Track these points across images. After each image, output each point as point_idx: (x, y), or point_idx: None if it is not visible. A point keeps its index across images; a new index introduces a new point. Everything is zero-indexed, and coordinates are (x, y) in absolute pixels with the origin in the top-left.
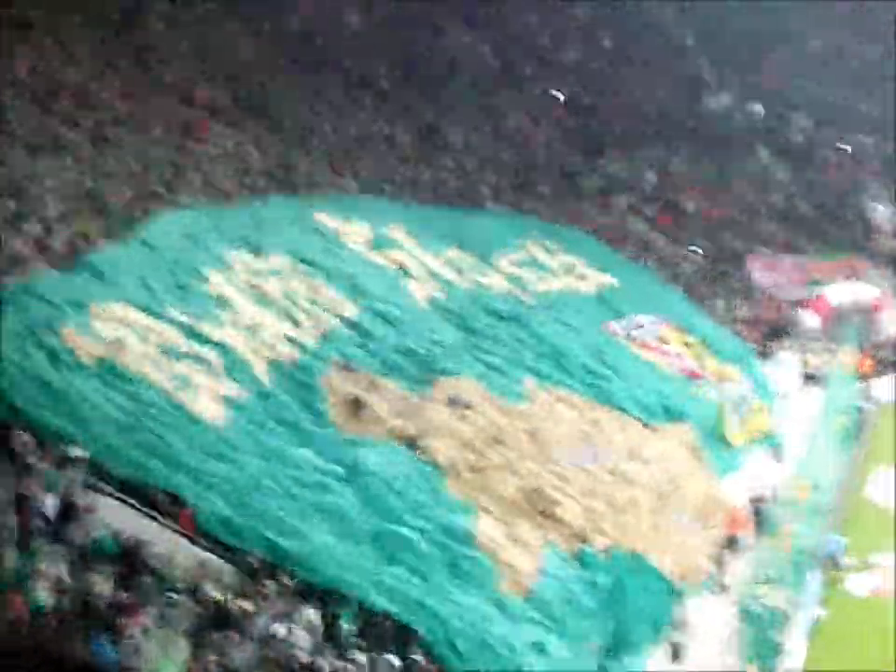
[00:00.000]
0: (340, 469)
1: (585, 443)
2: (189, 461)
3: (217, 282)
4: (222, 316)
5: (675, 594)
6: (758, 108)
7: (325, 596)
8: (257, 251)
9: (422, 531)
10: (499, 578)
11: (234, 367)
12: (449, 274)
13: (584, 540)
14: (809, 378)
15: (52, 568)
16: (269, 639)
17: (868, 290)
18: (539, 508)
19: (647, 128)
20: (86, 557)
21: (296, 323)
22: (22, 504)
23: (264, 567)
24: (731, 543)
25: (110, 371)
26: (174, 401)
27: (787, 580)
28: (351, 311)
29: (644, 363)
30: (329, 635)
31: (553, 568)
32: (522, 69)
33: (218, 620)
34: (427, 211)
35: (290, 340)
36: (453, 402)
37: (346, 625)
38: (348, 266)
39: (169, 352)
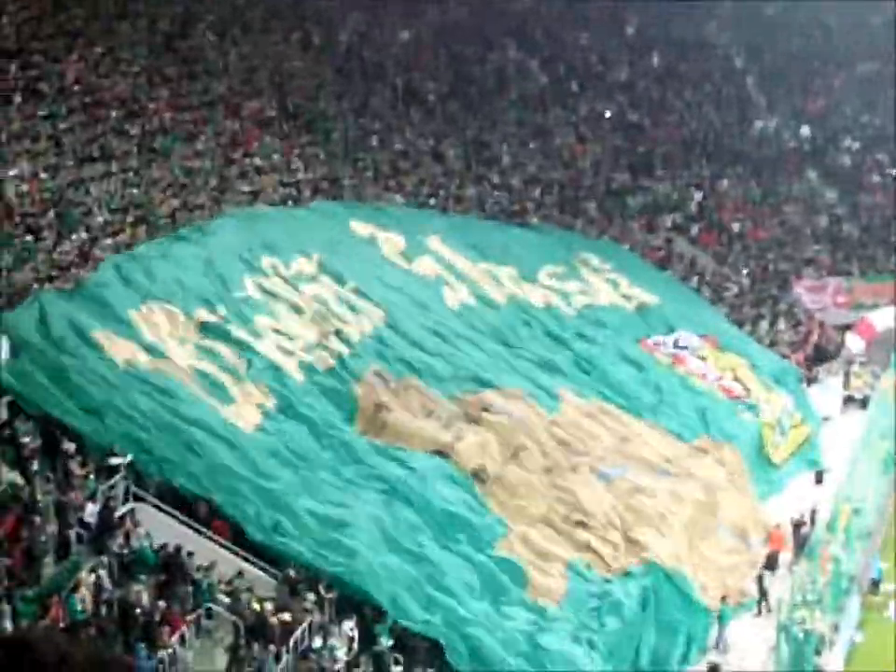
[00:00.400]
0: (378, 483)
1: (618, 455)
2: (225, 469)
3: (252, 287)
4: (257, 321)
5: (709, 612)
6: (805, 131)
7: (362, 610)
8: (291, 257)
9: (457, 545)
10: (530, 589)
11: (268, 372)
12: (486, 285)
13: (614, 557)
14: (852, 401)
15: (92, 577)
16: (307, 651)
17: None
18: (570, 520)
19: (694, 148)
20: (126, 566)
21: (328, 330)
22: (63, 512)
23: (303, 580)
24: (771, 565)
25: (147, 376)
26: (209, 408)
27: (826, 603)
28: (383, 319)
29: (681, 379)
30: (365, 648)
31: (580, 583)
32: (570, 86)
33: (256, 631)
34: (468, 223)
35: (323, 347)
36: (486, 411)
37: (383, 639)
38: (382, 274)
39: (204, 356)
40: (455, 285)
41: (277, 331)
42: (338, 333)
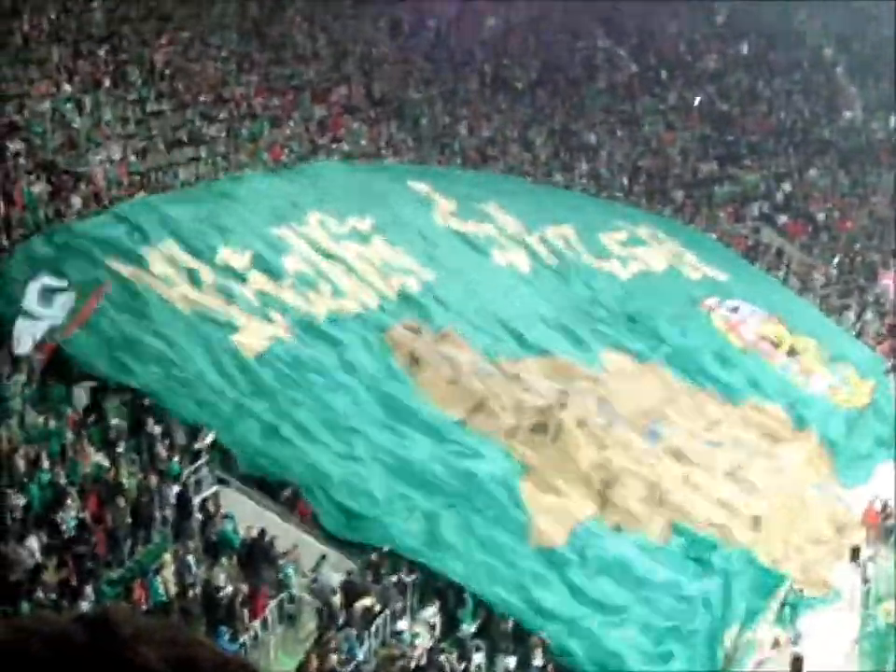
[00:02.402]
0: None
1: (654, 418)
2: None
3: (287, 236)
4: (287, 269)
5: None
6: (894, 120)
7: (445, 595)
8: (341, 214)
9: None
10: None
11: (294, 317)
12: (540, 247)
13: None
14: None
15: (176, 560)
16: (389, 636)
17: None
18: (600, 481)
19: (782, 138)
20: (210, 549)
21: (365, 281)
22: (148, 494)
23: (385, 563)
24: (855, 556)
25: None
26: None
27: None
28: (427, 276)
29: (731, 342)
30: (448, 634)
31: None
32: (659, 75)
33: (338, 615)
34: (530, 188)
35: (354, 296)
36: (512, 373)
37: (465, 625)
38: (431, 232)
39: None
40: (506, 246)
41: (309, 278)
42: (374, 285)
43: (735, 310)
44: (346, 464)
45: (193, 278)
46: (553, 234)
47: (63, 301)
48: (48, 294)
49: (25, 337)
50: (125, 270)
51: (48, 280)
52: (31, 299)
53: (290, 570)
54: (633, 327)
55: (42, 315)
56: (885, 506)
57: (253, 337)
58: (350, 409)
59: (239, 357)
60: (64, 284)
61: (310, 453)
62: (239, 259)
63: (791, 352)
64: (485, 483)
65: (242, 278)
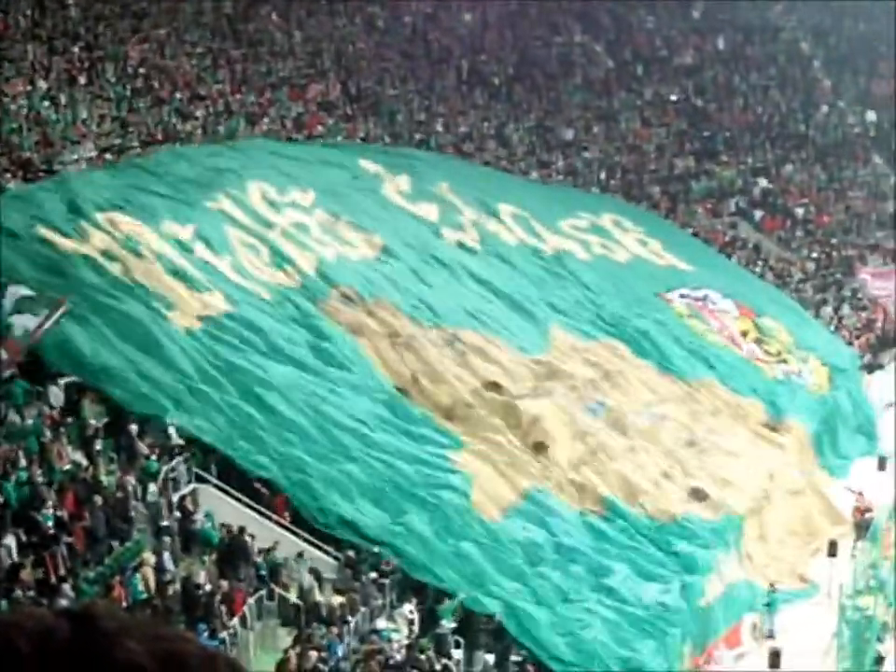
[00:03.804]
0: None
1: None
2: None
3: (226, 206)
4: (226, 236)
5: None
6: (871, 116)
7: (424, 591)
8: (283, 184)
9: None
10: None
11: (229, 286)
12: (493, 227)
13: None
14: None
15: (154, 557)
16: (368, 633)
17: None
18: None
19: (759, 132)
20: (188, 547)
21: (303, 251)
22: (126, 492)
23: (364, 561)
24: (832, 549)
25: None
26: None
27: (889, 590)
28: (368, 249)
29: (690, 326)
30: (427, 630)
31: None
32: (635, 70)
33: (318, 612)
34: (489, 173)
35: (293, 265)
36: (451, 344)
37: (444, 621)
38: (378, 207)
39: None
40: (457, 225)
41: (245, 246)
42: (312, 256)
43: (702, 298)
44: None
45: (134, 250)
46: (508, 215)
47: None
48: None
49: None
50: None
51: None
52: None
53: (268, 567)
54: (587, 307)
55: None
56: (862, 506)
57: (191, 311)
58: (291, 380)
59: (175, 333)
60: (32, 294)
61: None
62: (181, 231)
63: (759, 340)
64: (423, 456)
65: (186, 248)
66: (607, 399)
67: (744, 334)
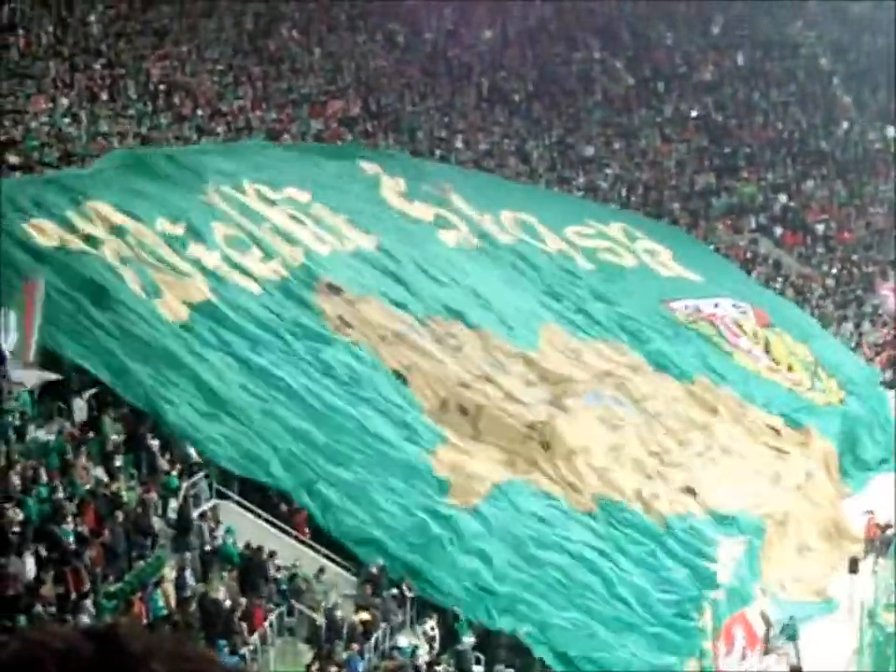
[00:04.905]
0: None
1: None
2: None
3: (217, 201)
4: (216, 231)
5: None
6: (891, 132)
7: (444, 608)
8: (278, 183)
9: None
10: None
11: (221, 279)
12: (493, 229)
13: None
14: None
15: (175, 574)
16: (388, 649)
17: None
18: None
19: (779, 149)
20: (208, 563)
21: (295, 244)
22: (146, 508)
23: (384, 577)
24: (853, 567)
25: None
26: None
27: None
28: (363, 243)
29: (695, 331)
30: (447, 646)
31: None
32: (655, 86)
33: (338, 629)
34: (492, 180)
35: (283, 259)
36: (443, 339)
37: (465, 637)
38: (375, 206)
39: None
40: (455, 226)
41: (236, 240)
42: (303, 248)
43: (713, 307)
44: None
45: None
46: (509, 220)
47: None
48: None
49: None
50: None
51: None
52: None
53: (288, 583)
54: (585, 309)
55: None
56: (881, 521)
57: (177, 300)
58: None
59: (163, 321)
60: None
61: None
62: (172, 227)
63: (771, 349)
64: (402, 446)
65: (181, 242)
66: (604, 396)
67: (757, 343)
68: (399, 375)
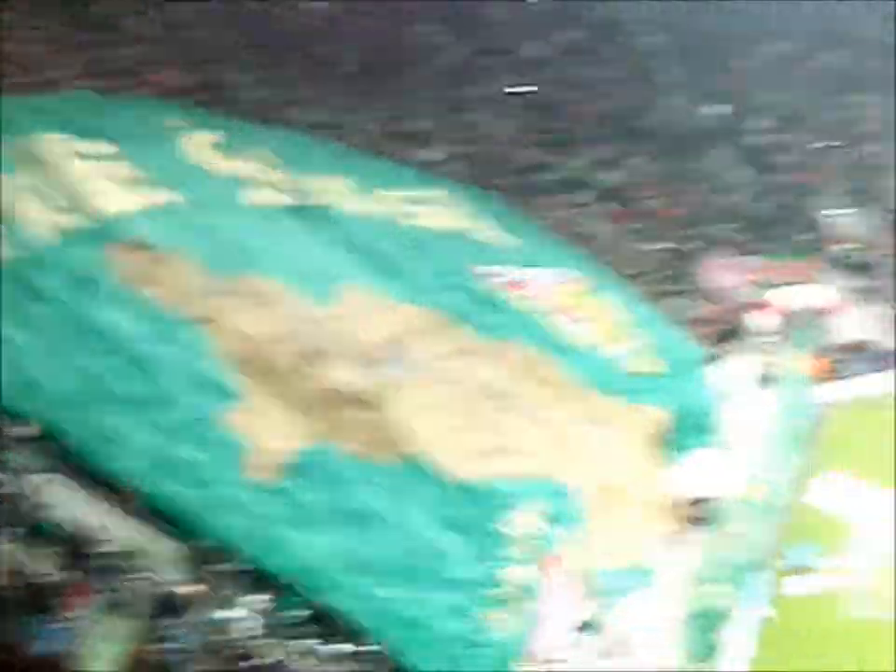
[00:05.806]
0: None
1: (397, 346)
2: None
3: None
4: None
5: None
6: (721, 109)
7: (276, 582)
8: (81, 135)
9: None
10: None
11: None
12: (300, 189)
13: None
14: (763, 380)
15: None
16: (215, 624)
17: (823, 294)
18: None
19: (608, 126)
20: (31, 538)
21: (90, 198)
22: None
23: (211, 551)
24: (674, 539)
25: None
26: None
27: (731, 579)
28: (160, 198)
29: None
30: (278, 620)
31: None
32: (486, 62)
33: (164, 604)
34: (317, 143)
35: (79, 211)
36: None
37: (296, 611)
38: (174, 161)
39: None
40: (260, 185)
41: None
42: (100, 202)
43: (526, 274)
44: None
45: None
46: (322, 180)
47: None
48: None
49: None
50: None
51: None
52: None
53: (116, 559)
54: (389, 272)
55: None
56: (703, 494)
57: None
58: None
59: None
60: None
61: None
62: None
63: (587, 317)
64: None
65: None
66: (412, 358)
67: (578, 311)
68: (199, 330)
